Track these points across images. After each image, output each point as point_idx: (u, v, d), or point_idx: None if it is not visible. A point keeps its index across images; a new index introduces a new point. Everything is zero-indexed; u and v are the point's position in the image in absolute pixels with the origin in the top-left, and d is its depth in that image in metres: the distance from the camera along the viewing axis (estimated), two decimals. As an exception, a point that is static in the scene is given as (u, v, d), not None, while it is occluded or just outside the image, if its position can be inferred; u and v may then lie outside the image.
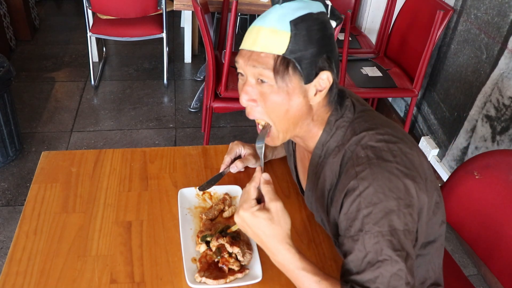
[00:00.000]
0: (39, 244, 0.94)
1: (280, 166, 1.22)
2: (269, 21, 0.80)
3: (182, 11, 3.67)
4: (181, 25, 4.00)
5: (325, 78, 0.82)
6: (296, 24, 0.78)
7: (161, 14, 2.84)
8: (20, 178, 2.25)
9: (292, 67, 0.79)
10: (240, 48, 0.85)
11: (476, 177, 1.13)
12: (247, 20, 3.99)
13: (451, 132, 2.30)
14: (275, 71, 0.79)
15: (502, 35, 1.92)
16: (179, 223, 1.00)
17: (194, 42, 3.53)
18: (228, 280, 0.88)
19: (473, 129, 2.13)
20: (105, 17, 2.94)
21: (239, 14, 3.53)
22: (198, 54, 3.62)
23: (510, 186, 1.08)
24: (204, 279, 0.87)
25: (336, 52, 0.84)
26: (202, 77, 3.28)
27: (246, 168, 1.17)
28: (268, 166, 1.21)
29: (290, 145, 1.08)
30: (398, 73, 2.41)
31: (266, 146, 1.17)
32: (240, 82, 0.86)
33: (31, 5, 3.59)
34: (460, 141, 2.22)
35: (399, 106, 2.81)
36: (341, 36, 2.51)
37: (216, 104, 2.11)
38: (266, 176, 0.82)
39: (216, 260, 0.92)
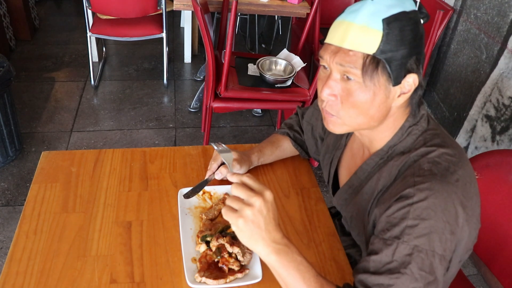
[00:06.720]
0: (39, 244, 0.94)
1: (280, 166, 1.22)
2: (361, 17, 0.76)
3: (182, 11, 3.67)
4: (181, 25, 4.01)
5: (411, 81, 0.79)
6: (389, 22, 0.74)
7: (161, 14, 2.84)
8: (20, 178, 2.25)
9: (382, 68, 0.76)
10: (325, 41, 0.81)
11: (476, 177, 1.13)
12: (247, 20, 3.99)
13: (451, 132, 2.30)
14: (364, 70, 0.76)
15: (502, 35, 1.92)
16: (179, 223, 1.00)
17: (194, 42, 3.53)
18: (228, 280, 0.88)
19: (473, 129, 2.13)
20: (105, 17, 2.94)
21: (239, 14, 3.53)
22: (198, 54, 3.62)
23: (510, 186, 1.08)
24: (204, 279, 0.87)
25: (424, 53, 0.81)
26: (202, 77, 3.28)
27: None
28: (268, 166, 1.21)
29: (344, 138, 1.05)
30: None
31: (253, 152, 1.16)
32: (322, 74, 0.83)
33: (31, 5, 3.58)
34: (460, 141, 2.22)
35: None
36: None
37: (216, 104, 2.11)
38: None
39: (216, 260, 0.92)
